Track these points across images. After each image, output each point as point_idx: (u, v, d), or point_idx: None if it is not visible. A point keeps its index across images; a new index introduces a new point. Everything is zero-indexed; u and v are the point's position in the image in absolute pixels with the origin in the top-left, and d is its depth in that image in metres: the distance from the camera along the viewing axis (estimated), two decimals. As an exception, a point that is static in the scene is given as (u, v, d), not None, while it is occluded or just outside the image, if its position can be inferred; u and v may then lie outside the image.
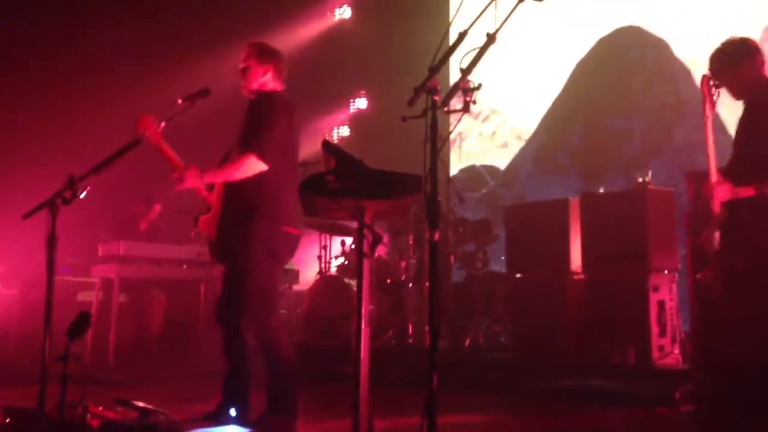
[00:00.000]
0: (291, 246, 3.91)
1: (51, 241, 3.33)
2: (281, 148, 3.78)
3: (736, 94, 3.82)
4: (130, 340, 7.07)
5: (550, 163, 9.07)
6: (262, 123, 3.76)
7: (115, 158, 3.52)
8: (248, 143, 3.72)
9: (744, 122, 3.82)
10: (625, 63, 8.40)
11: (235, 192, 3.77)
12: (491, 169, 9.09)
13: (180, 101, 3.81)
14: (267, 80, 3.95)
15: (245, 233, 3.70)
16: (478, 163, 9.68)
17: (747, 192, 3.55)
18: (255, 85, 3.94)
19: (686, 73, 7.95)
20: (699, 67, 7.69)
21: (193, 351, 6.91)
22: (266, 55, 3.96)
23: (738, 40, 3.82)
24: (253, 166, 3.68)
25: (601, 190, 5.89)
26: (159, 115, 3.80)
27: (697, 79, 7.70)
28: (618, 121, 8.28)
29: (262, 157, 3.68)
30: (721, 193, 3.61)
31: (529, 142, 9.35)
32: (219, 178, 3.77)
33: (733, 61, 3.75)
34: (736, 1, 7.52)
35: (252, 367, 3.83)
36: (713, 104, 3.71)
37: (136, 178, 7.69)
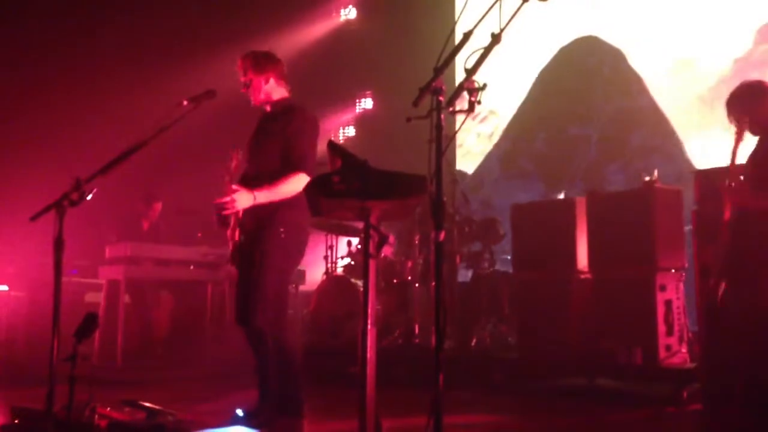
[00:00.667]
0: (304, 248, 4.02)
1: (58, 243, 3.33)
2: None
3: (755, 130, 4.09)
4: (138, 341, 7.10)
5: (515, 169, 9.34)
6: (303, 140, 3.87)
7: (122, 160, 3.53)
8: (295, 161, 3.81)
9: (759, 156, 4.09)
10: (584, 71, 8.66)
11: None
12: (460, 174, 9.18)
13: (185, 103, 3.81)
14: (271, 87, 4.02)
15: (268, 239, 3.79)
16: (474, 162, 9.82)
17: (764, 201, 3.76)
18: (262, 96, 4.00)
19: (639, 82, 8.23)
20: (650, 75, 8.20)
21: (200, 351, 6.93)
22: (263, 64, 4.03)
23: (757, 81, 4.24)
24: (303, 182, 3.73)
25: (561, 196, 6.03)
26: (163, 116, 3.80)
27: (649, 87, 8.25)
28: (577, 127, 8.54)
29: (310, 173, 3.78)
30: (739, 196, 3.78)
31: (496, 147, 9.57)
32: (271, 197, 3.79)
33: (756, 98, 4.10)
34: (685, 14, 7.69)
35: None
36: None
37: (141, 179, 7.74)
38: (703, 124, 7.42)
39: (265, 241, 3.78)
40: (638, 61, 8.28)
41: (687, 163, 7.67)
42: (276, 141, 3.90)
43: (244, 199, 3.73)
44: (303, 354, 6.17)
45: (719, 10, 7.36)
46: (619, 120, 8.34)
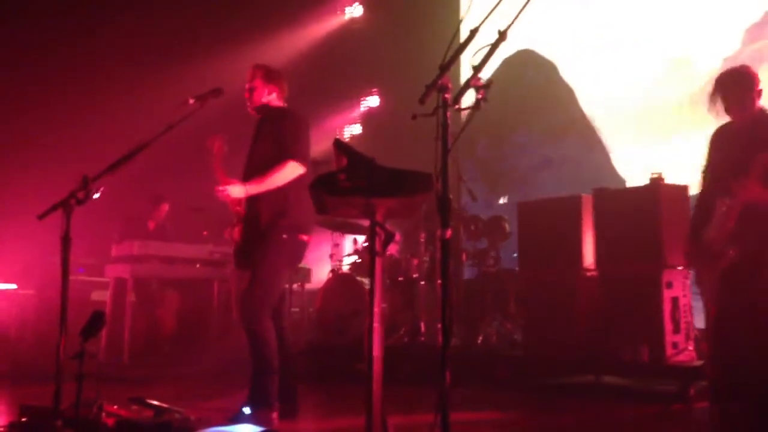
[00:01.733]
0: (302, 253, 4.18)
1: (65, 241, 3.35)
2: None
3: (737, 114, 3.89)
4: (144, 339, 7.11)
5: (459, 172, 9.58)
6: (296, 132, 4.05)
7: (129, 159, 3.54)
8: (286, 151, 3.97)
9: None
10: (522, 82, 9.17)
11: (266, 200, 3.96)
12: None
13: (191, 101, 3.83)
14: (272, 99, 4.21)
15: (269, 241, 3.94)
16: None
17: None
18: (261, 102, 4.18)
19: (571, 93, 8.71)
20: (580, 88, 8.69)
21: (207, 349, 6.94)
22: (272, 78, 4.23)
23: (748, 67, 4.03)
24: (294, 170, 3.96)
25: (502, 201, 6.16)
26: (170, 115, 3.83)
27: (580, 99, 8.68)
28: (516, 135, 8.90)
29: (302, 162, 3.98)
30: (755, 192, 3.58)
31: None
32: (262, 188, 3.95)
33: (747, 83, 3.89)
34: (675, 14, 7.79)
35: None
36: None
37: (147, 177, 7.75)
38: (696, 124, 7.51)
39: (267, 243, 3.93)
40: (568, 74, 8.81)
41: (612, 170, 8.24)
42: (268, 140, 4.06)
43: (236, 190, 3.92)
44: (309, 351, 6.23)
45: (711, 10, 7.40)
46: (553, 129, 8.79)
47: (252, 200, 4.00)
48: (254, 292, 3.90)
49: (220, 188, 3.92)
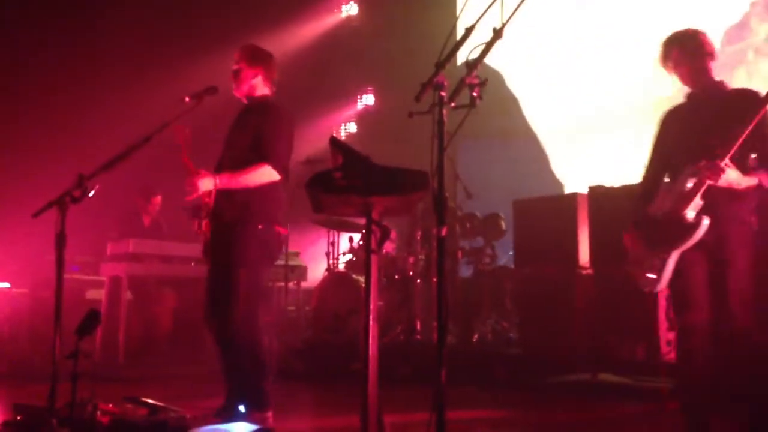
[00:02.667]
0: (281, 245, 4.06)
1: (60, 240, 3.34)
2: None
3: (691, 82, 3.54)
4: (140, 338, 7.10)
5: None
6: (276, 134, 3.88)
7: (124, 157, 3.53)
8: (263, 153, 3.82)
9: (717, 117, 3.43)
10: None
11: (231, 192, 3.82)
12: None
13: (187, 99, 3.82)
14: (257, 83, 4.06)
15: (244, 234, 3.79)
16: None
17: (750, 182, 3.27)
18: (245, 89, 4.04)
19: (515, 101, 9.03)
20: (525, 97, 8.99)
21: (203, 348, 6.92)
22: (257, 59, 4.08)
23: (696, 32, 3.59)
24: (267, 175, 3.81)
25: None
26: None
27: (524, 109, 8.95)
28: (468, 140, 8.97)
29: (277, 169, 3.82)
30: (732, 176, 3.20)
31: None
32: (233, 184, 3.81)
33: (699, 49, 3.51)
34: (656, 15, 7.85)
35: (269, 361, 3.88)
36: None
37: (143, 176, 7.73)
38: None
39: (243, 236, 3.78)
40: (512, 84, 9.15)
41: (552, 175, 8.59)
42: (248, 134, 3.92)
43: (206, 183, 3.76)
44: (305, 350, 6.22)
45: (690, 12, 7.43)
46: (502, 135, 9.03)
47: (222, 192, 3.82)
48: (238, 296, 3.74)
49: (190, 181, 3.75)
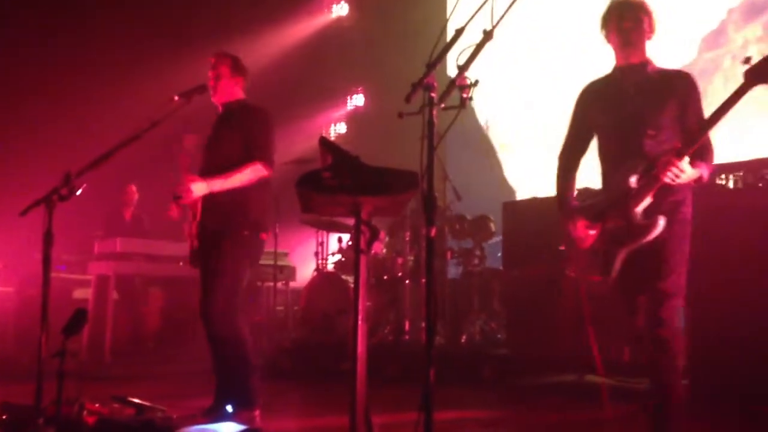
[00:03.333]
0: (261, 251, 4.13)
1: (47, 238, 3.32)
2: None
3: (623, 55, 3.22)
4: (127, 337, 7.08)
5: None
6: (263, 132, 3.98)
7: (112, 155, 3.52)
8: (253, 152, 3.89)
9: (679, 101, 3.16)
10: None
11: (217, 199, 3.86)
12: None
13: (176, 98, 3.82)
14: (236, 92, 4.12)
15: (230, 240, 3.84)
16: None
17: (695, 175, 3.00)
18: (226, 96, 4.08)
19: (471, 110, 9.16)
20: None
21: (190, 347, 6.92)
22: (239, 68, 4.13)
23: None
24: (259, 172, 3.89)
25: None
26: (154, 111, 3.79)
27: (481, 119, 9.27)
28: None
29: (268, 165, 3.90)
30: (688, 175, 2.96)
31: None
32: (226, 185, 3.85)
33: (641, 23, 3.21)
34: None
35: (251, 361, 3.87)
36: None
37: (131, 175, 7.70)
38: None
39: (228, 242, 3.84)
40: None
41: (503, 179, 8.90)
42: (235, 135, 3.96)
43: (199, 188, 3.81)
44: (294, 350, 6.21)
45: (668, 19, 7.47)
46: (452, 139, 9.28)
47: (211, 196, 3.86)
48: (219, 296, 3.80)
49: (183, 186, 3.79)
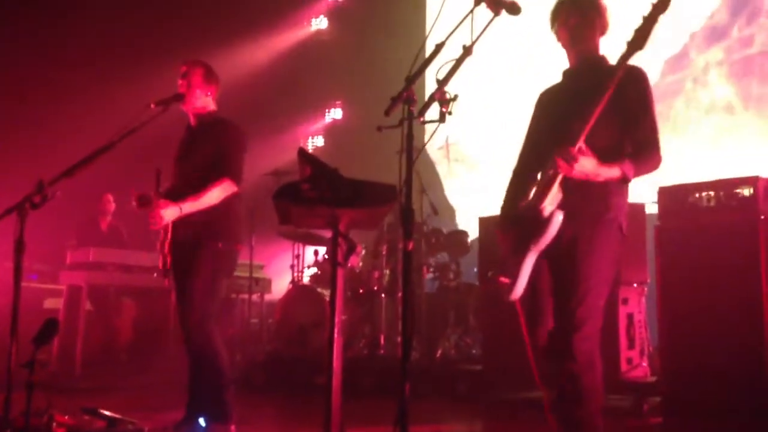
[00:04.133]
0: (236, 262, 4.09)
1: (19, 246, 3.28)
2: None
3: (574, 54, 3.02)
4: (98, 348, 6.97)
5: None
6: (232, 148, 3.94)
7: (87, 162, 3.48)
8: (221, 169, 3.85)
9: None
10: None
11: (191, 213, 3.81)
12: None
13: (153, 106, 3.79)
14: (208, 101, 4.06)
15: (204, 252, 3.81)
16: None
17: (610, 173, 2.74)
18: (198, 104, 4.01)
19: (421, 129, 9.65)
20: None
21: (162, 359, 6.83)
22: (212, 77, 4.08)
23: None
24: (229, 189, 3.86)
25: None
26: (130, 120, 3.75)
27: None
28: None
29: (236, 182, 3.89)
30: (586, 165, 2.68)
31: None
32: (197, 205, 3.80)
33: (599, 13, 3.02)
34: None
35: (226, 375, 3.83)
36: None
37: (106, 183, 7.62)
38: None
39: (202, 254, 3.80)
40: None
41: (443, 197, 9.15)
42: (207, 150, 3.92)
43: (169, 213, 3.74)
44: (268, 363, 6.17)
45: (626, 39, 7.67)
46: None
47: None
48: (195, 308, 3.76)
49: (155, 213, 3.71)
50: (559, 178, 2.73)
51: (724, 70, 7.01)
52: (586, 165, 2.67)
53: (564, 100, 3.00)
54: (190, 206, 3.78)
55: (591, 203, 2.82)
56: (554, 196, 2.77)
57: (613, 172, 2.74)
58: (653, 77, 7.36)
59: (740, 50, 6.95)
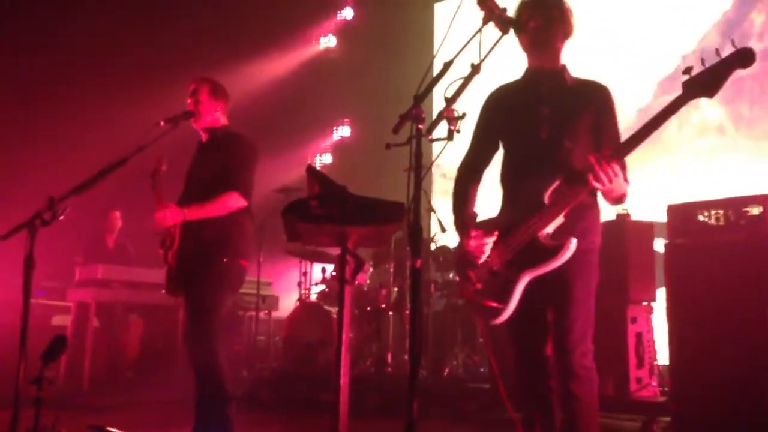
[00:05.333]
0: (243, 279, 4.05)
1: (28, 263, 3.28)
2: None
3: (537, 56, 2.94)
4: (106, 365, 6.97)
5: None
6: (242, 162, 3.93)
7: (96, 180, 3.50)
8: (230, 181, 3.84)
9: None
10: None
11: (200, 224, 3.81)
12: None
13: (162, 123, 3.82)
14: (218, 117, 4.07)
15: (212, 266, 3.80)
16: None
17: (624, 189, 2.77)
18: (208, 121, 4.03)
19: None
20: None
21: (169, 376, 6.82)
22: (220, 93, 4.09)
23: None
24: (236, 202, 3.84)
25: None
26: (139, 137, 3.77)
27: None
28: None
29: (245, 195, 3.86)
30: (619, 180, 2.63)
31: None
32: (201, 214, 3.81)
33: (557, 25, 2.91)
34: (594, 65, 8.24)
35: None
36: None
37: (115, 200, 7.65)
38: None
39: (207, 269, 3.79)
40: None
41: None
42: (217, 164, 3.92)
43: (171, 215, 3.75)
44: (275, 380, 6.13)
45: (627, 62, 7.63)
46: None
47: (189, 224, 3.82)
48: (200, 323, 3.75)
49: (158, 214, 3.76)
50: (571, 205, 2.69)
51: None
52: (620, 181, 2.63)
53: (535, 109, 2.88)
54: (195, 212, 3.78)
55: (582, 226, 2.80)
56: (557, 221, 2.73)
57: (624, 187, 2.72)
58: (646, 98, 7.48)
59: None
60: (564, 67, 2.96)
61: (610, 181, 2.58)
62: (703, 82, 2.52)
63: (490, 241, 2.84)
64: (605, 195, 2.77)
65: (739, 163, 6.84)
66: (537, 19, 2.85)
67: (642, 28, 7.66)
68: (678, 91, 2.61)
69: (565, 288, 2.77)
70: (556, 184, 2.72)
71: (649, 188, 6.30)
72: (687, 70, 2.56)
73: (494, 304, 2.80)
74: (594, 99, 2.88)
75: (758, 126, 6.92)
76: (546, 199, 2.72)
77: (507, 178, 2.98)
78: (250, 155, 3.98)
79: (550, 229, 2.73)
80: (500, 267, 2.81)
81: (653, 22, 7.76)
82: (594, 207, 2.90)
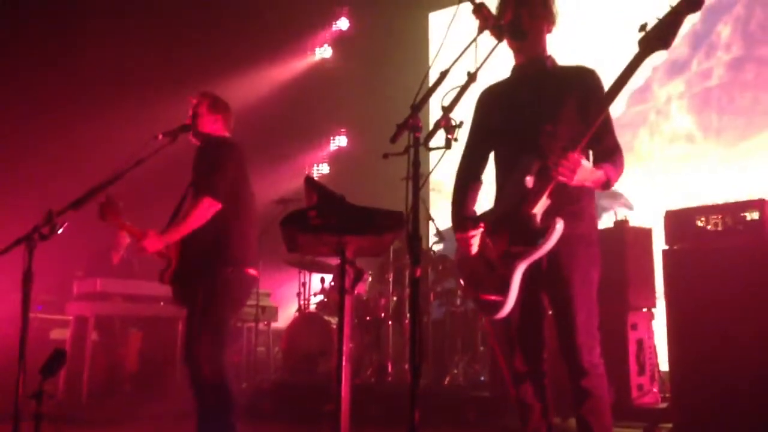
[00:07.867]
0: (250, 288, 3.96)
1: (27, 277, 3.28)
2: (235, 187, 3.81)
3: (528, 44, 2.92)
4: (105, 379, 6.94)
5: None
6: (209, 164, 3.80)
7: (96, 193, 3.50)
8: (200, 187, 3.75)
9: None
10: None
11: (196, 235, 3.74)
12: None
13: (160, 136, 3.82)
14: (217, 129, 4.03)
15: (210, 278, 3.71)
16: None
17: (599, 177, 2.73)
18: (206, 131, 3.99)
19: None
20: None
21: (169, 389, 6.79)
22: (219, 106, 4.06)
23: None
24: (208, 207, 3.70)
25: None
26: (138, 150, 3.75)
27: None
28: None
29: (215, 197, 3.71)
30: (585, 171, 2.63)
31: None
32: (180, 233, 3.72)
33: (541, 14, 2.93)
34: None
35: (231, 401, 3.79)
36: None
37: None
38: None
39: (210, 280, 3.70)
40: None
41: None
42: (194, 173, 3.87)
43: (153, 244, 3.68)
44: (275, 391, 6.12)
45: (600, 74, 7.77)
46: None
47: (185, 238, 3.73)
48: (203, 337, 3.65)
49: (138, 245, 3.67)
50: (551, 185, 2.67)
51: (685, 102, 7.37)
52: (586, 172, 2.64)
53: (522, 99, 2.91)
54: (172, 234, 3.71)
55: (569, 211, 2.77)
56: (543, 203, 2.71)
57: (599, 176, 2.72)
58: (619, 109, 7.59)
59: (700, 83, 7.33)
60: (548, 56, 2.97)
61: (573, 172, 2.58)
62: (657, 35, 2.53)
63: (477, 233, 2.85)
64: (582, 186, 2.73)
65: (709, 169, 7.05)
66: (517, 7, 2.86)
67: (611, 41, 7.68)
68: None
69: (564, 287, 2.80)
70: (536, 166, 2.72)
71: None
72: (642, 27, 2.56)
73: (494, 298, 2.76)
74: (577, 82, 2.88)
75: (725, 134, 7.13)
76: (529, 183, 2.73)
77: (497, 172, 3.02)
78: (220, 156, 3.81)
79: (537, 210, 2.71)
80: (497, 259, 2.81)
81: (622, 34, 7.85)
82: (586, 190, 2.83)
